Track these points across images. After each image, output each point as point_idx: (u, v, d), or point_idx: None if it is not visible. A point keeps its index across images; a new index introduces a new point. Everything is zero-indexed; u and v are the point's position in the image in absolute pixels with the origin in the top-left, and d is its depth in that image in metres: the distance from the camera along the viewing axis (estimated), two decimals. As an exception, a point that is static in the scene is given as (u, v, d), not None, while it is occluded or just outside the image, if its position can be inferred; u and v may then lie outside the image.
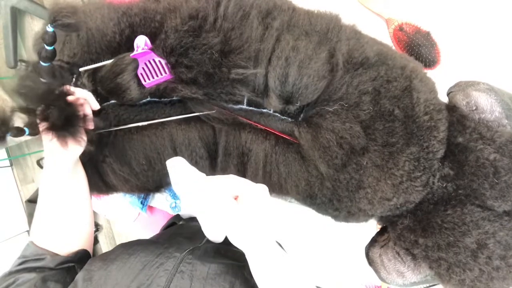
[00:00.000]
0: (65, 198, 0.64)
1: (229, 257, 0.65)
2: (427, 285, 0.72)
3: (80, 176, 0.67)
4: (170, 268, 0.58)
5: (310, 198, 0.73)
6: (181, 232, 0.86)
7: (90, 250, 0.70)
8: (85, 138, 0.60)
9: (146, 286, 0.54)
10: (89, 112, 0.62)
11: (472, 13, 0.99)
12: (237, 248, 0.51)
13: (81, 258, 0.65)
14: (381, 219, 0.74)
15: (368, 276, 1.14)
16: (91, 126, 0.63)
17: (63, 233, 0.64)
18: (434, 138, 0.63)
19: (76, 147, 0.60)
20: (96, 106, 0.64)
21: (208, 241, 0.75)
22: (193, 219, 1.10)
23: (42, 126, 0.56)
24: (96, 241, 1.83)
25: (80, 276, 0.58)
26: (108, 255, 0.63)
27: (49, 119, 0.54)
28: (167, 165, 0.56)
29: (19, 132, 0.57)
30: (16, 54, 1.21)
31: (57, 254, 0.62)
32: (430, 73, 0.72)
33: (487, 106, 0.61)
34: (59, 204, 0.64)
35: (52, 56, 0.59)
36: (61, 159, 0.61)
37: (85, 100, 0.61)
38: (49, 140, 0.57)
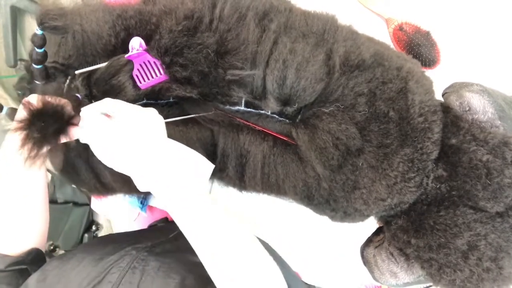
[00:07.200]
0: (11, 192, 0.61)
1: (190, 252, 0.59)
2: (422, 285, 0.72)
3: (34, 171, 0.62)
4: (124, 265, 0.57)
5: (307, 199, 0.73)
6: (158, 227, 0.84)
7: (43, 248, 0.66)
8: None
9: (97, 282, 0.54)
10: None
11: (472, 13, 0.99)
12: None
13: (34, 258, 0.63)
14: (379, 219, 0.75)
15: (368, 276, 1.14)
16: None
17: (12, 232, 0.62)
18: (428, 140, 0.63)
19: None
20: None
21: (175, 237, 0.74)
22: None
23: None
24: (96, 240, 1.82)
25: (34, 277, 0.57)
26: (66, 254, 0.62)
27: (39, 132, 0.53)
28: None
29: None
30: (16, 53, 1.20)
31: (6, 255, 0.60)
32: (429, 72, 0.72)
33: (479, 107, 0.61)
34: (4, 200, 0.61)
35: (43, 58, 0.58)
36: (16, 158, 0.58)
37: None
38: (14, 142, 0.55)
